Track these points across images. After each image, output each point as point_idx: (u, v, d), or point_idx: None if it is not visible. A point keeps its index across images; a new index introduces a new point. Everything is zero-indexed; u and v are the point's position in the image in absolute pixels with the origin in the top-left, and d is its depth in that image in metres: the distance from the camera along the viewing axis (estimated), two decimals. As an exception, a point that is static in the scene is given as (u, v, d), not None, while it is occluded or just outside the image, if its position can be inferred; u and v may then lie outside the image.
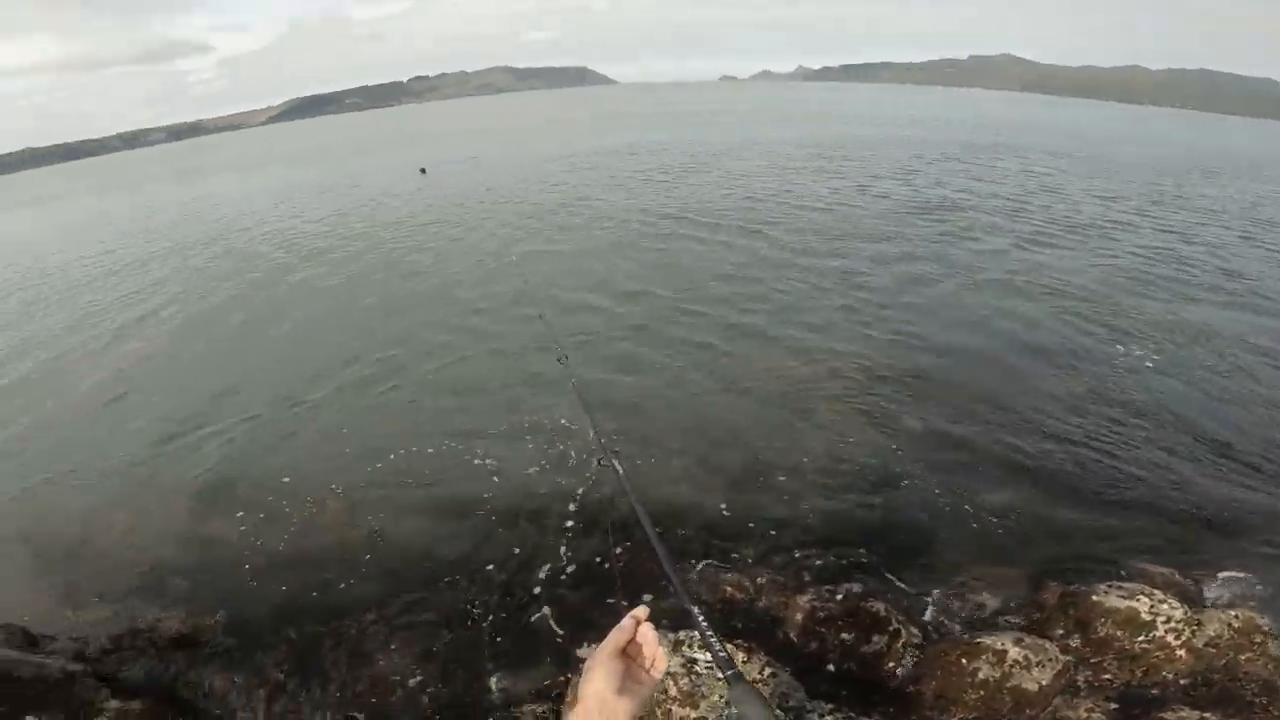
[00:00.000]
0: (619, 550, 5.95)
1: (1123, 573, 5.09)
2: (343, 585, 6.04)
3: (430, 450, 8.11)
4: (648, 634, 1.23)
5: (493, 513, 6.81)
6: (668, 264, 14.37)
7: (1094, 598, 4.31)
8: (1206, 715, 3.58)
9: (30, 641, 5.36)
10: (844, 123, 50.00)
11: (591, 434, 2.30)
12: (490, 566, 6.05)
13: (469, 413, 8.89)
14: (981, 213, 18.90)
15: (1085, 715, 3.63)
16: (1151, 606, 4.13)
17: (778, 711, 4.69)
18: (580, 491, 6.85)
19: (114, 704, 4.53)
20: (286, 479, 7.87)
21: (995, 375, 8.89)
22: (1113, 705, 3.74)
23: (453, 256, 17.01)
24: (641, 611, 1.25)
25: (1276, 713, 3.64)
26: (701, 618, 1.23)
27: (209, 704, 4.89)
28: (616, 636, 1.21)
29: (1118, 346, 9.92)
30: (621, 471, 2.05)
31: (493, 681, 4.84)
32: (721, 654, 1.14)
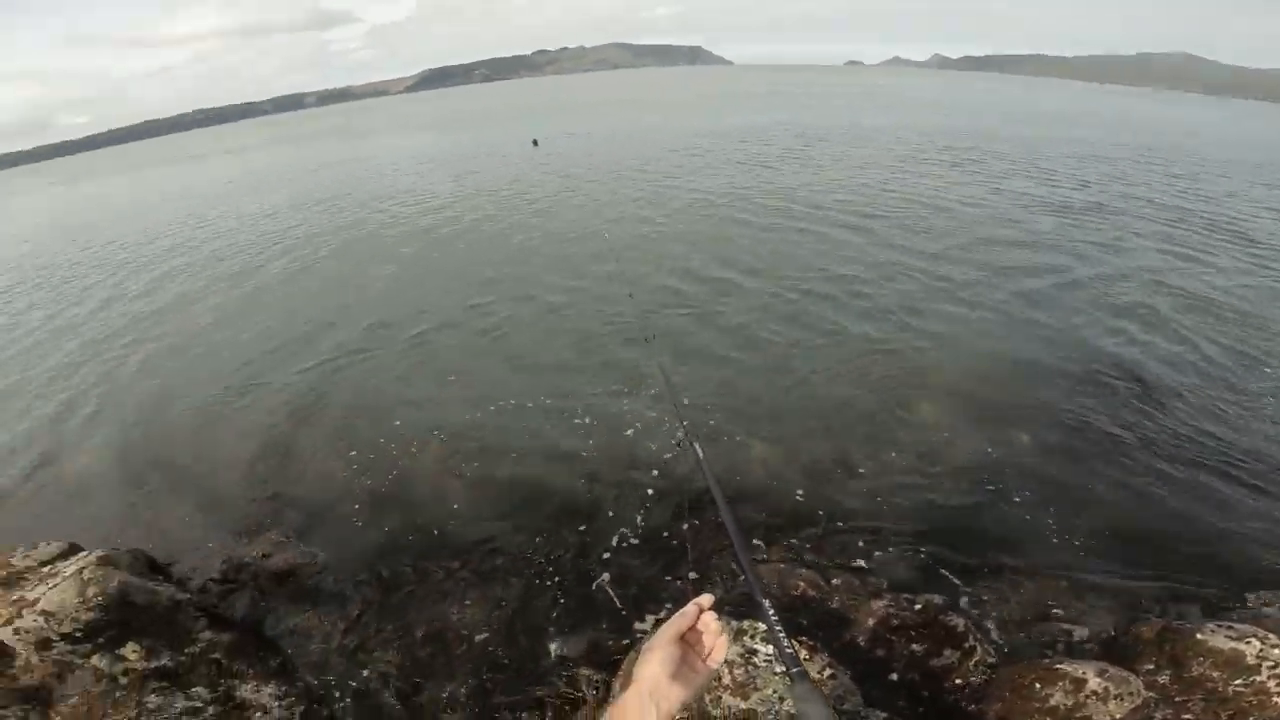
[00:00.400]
0: (688, 526, 6.02)
1: (1235, 614, 4.69)
2: (435, 531, 6.46)
3: (529, 404, 8.65)
4: (710, 623, 1.26)
5: (575, 475, 7.10)
6: (767, 251, 14.14)
7: (1198, 635, 4.06)
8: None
9: (152, 567, 5.84)
10: (978, 116, 46.74)
11: (674, 413, 2.35)
12: (566, 528, 6.30)
13: (559, 376, 9.32)
14: (1133, 218, 17.11)
15: None
16: (1261, 650, 3.84)
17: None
18: (661, 464, 6.97)
19: (207, 635, 4.89)
20: (397, 421, 8.57)
21: (1115, 393, 8.26)
22: None
23: (551, 228, 17.55)
24: (706, 599, 1.28)
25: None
26: (771, 611, 1.23)
27: (292, 641, 5.23)
28: (678, 622, 1.24)
29: (1264, 369, 9.02)
30: (702, 455, 2.07)
31: (553, 646, 4.98)
32: (788, 650, 1.16)
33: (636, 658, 1.22)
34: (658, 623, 5.13)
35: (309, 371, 10.31)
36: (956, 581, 5.32)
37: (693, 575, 5.50)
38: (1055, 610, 4.93)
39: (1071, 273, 12.55)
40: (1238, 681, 3.76)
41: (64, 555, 5.63)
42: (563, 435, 7.91)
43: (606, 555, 5.88)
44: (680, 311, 11.10)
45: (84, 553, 5.54)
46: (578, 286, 12.82)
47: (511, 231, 17.53)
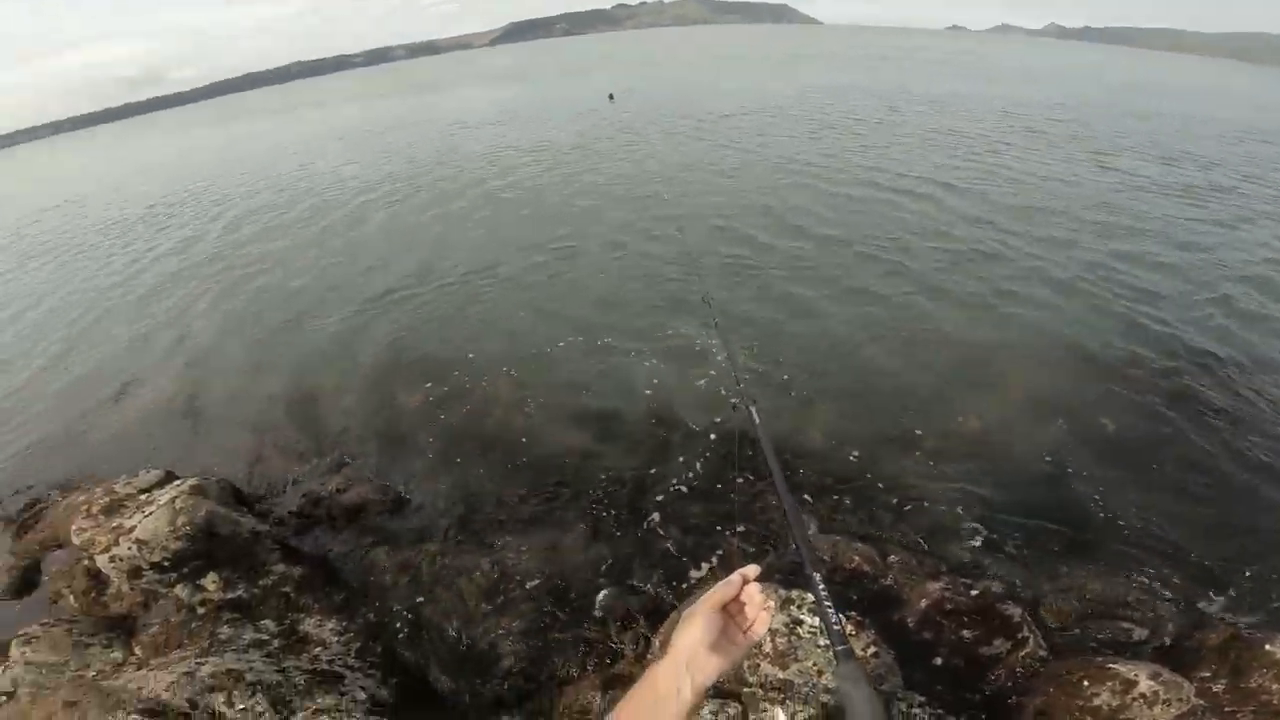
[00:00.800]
0: (741, 480, 6.05)
1: None
2: (503, 467, 6.82)
3: (592, 348, 8.94)
4: (754, 594, 1.24)
5: (635, 421, 7.31)
6: (841, 218, 13.53)
7: (1267, 647, 3.82)
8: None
9: (237, 498, 6.33)
10: (1090, 91, 40.34)
11: (731, 374, 2.32)
12: (625, 471, 6.52)
13: (620, 325, 9.51)
14: (1265, 202, 15.18)
15: None
16: None
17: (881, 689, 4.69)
18: (716, 423, 6.99)
19: (280, 568, 5.30)
20: (471, 355, 9.05)
21: (1206, 391, 7.51)
22: None
23: (617, 185, 17.50)
24: (751, 570, 1.26)
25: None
26: (822, 586, 1.22)
27: (357, 575, 5.58)
28: (721, 591, 1.22)
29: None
30: (758, 420, 2.01)
31: (601, 596, 5.14)
32: (836, 627, 1.14)
33: (678, 619, 1.24)
34: (696, 587, 5.28)
35: (391, 308, 10.95)
36: (1018, 569, 5.14)
37: (740, 529, 5.57)
38: (1118, 608, 4.68)
39: (1177, 260, 11.28)
40: None
41: (161, 483, 6.16)
42: (623, 381, 8.09)
43: (657, 515, 5.97)
44: (744, 274, 10.91)
45: (178, 481, 6.04)
46: (641, 242, 12.84)
47: (577, 187, 17.70)
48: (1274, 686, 3.59)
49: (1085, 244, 11.92)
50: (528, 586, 5.25)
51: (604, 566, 5.44)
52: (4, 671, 3.91)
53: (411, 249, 13.90)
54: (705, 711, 3.68)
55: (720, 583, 1.24)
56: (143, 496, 5.77)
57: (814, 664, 3.95)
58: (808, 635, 4.06)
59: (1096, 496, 5.90)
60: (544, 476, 6.57)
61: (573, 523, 5.94)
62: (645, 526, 5.84)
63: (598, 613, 5.02)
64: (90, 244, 19.89)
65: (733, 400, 2.26)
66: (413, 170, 22.73)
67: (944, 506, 5.83)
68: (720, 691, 4.02)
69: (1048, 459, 6.39)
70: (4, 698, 3.74)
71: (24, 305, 14.67)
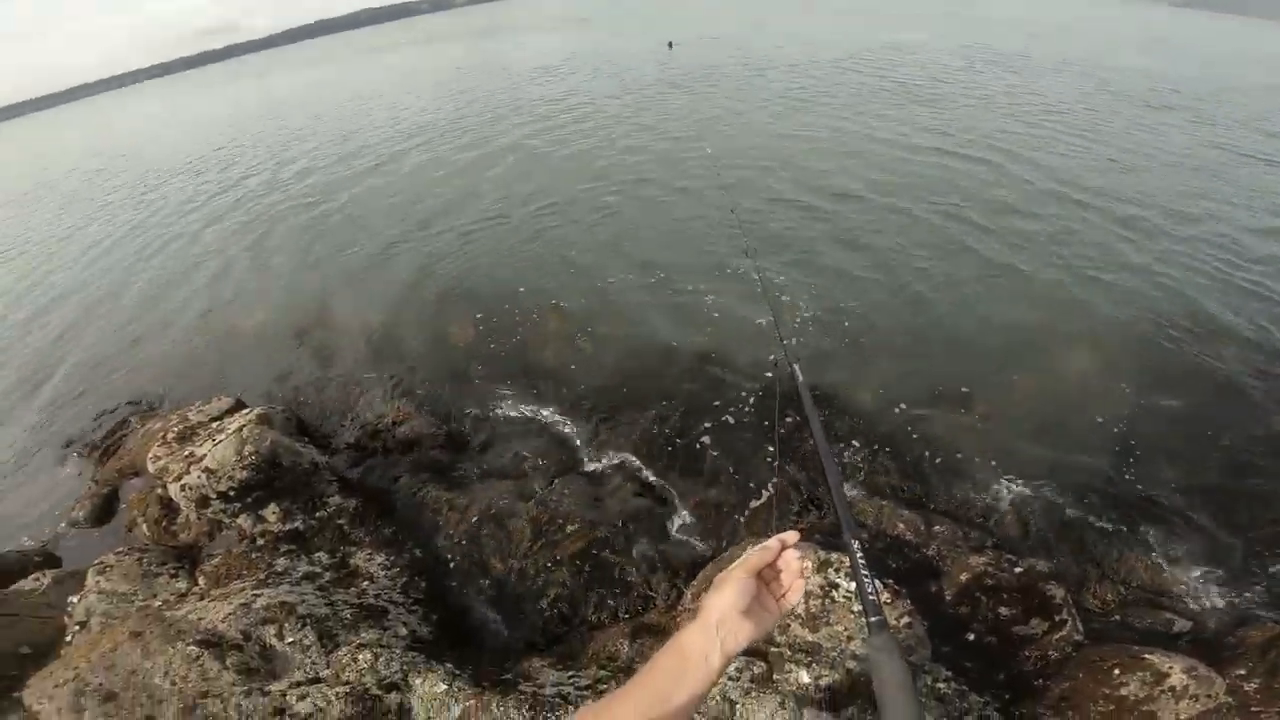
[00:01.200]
0: (783, 433, 6.05)
1: None
2: (555, 402, 7.03)
3: (639, 288, 9.04)
4: (791, 561, 1.23)
5: (682, 369, 7.34)
6: (911, 174, 12.74)
7: None
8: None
9: (299, 427, 6.71)
10: (1206, 61, 33.38)
11: (776, 333, 2.26)
12: (668, 423, 6.58)
13: (666, 270, 9.45)
14: None
15: None
16: None
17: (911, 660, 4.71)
18: (767, 377, 6.90)
19: (336, 499, 5.62)
20: (521, 288, 9.29)
21: None
22: None
23: (664, 137, 17.04)
24: (790, 536, 1.24)
25: None
26: (860, 555, 1.20)
27: (407, 510, 5.88)
28: (758, 555, 1.22)
29: None
30: (800, 379, 1.99)
31: (637, 545, 5.29)
32: (871, 598, 1.13)
33: (712, 574, 1.33)
34: (732, 543, 5.36)
35: (443, 244, 11.40)
36: (1066, 549, 5.01)
37: (781, 495, 5.59)
38: (1163, 597, 4.55)
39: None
40: None
41: (230, 411, 6.57)
42: (668, 324, 8.16)
43: (702, 447, 6.13)
44: (799, 228, 10.52)
45: (245, 410, 6.43)
46: (689, 192, 12.58)
47: (625, 138, 17.39)
48: None
49: (1180, 212, 10.86)
50: (569, 530, 5.45)
51: (645, 512, 5.58)
52: (80, 600, 4.37)
53: (463, 191, 14.29)
54: (731, 667, 3.79)
55: (757, 547, 1.24)
56: (214, 424, 6.18)
57: (844, 629, 4.00)
58: (842, 600, 4.11)
59: (1155, 481, 5.65)
60: (592, 413, 6.75)
61: (616, 466, 6.09)
62: (687, 474, 5.95)
63: (635, 559, 5.18)
64: (169, 185, 21.37)
65: (773, 358, 2.21)
66: (470, 116, 23.29)
67: (995, 479, 5.69)
68: (747, 649, 4.12)
69: (1107, 438, 6.11)
70: (78, 626, 4.19)
71: (110, 241, 16.04)
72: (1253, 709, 3.44)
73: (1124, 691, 3.63)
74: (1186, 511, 5.32)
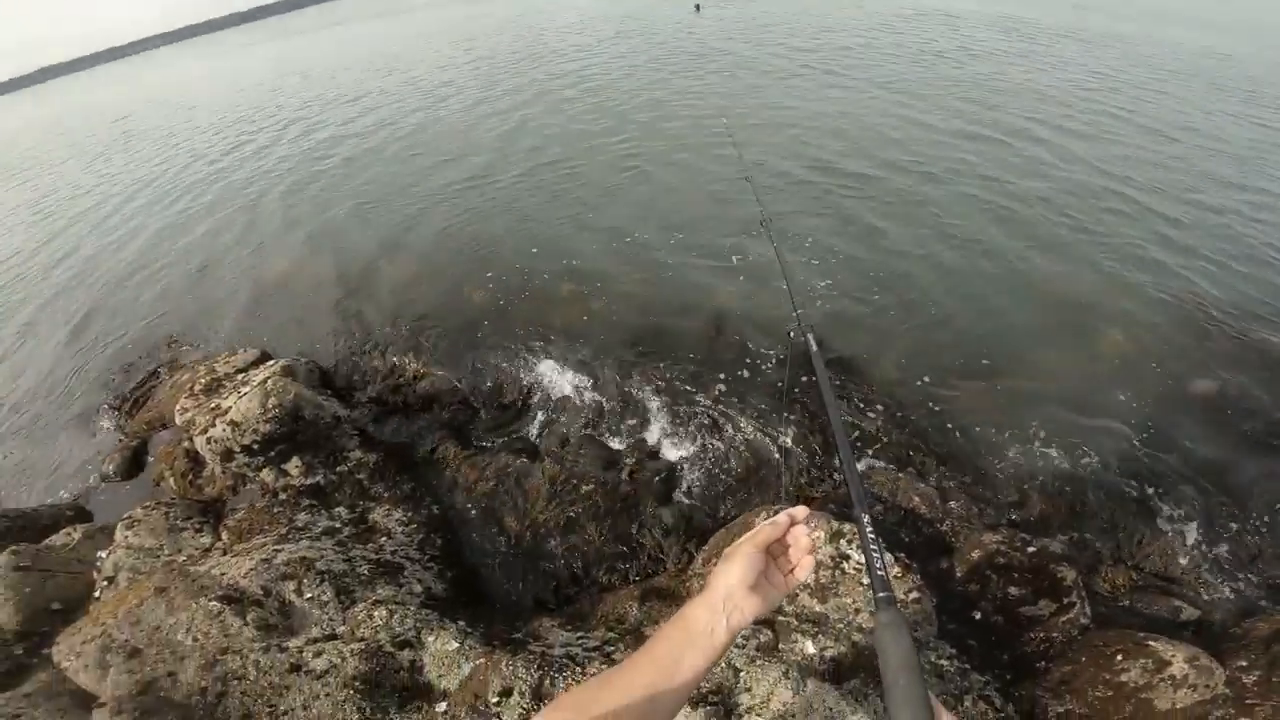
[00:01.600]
0: (800, 406, 6.07)
1: None
2: (568, 361, 7.07)
3: (653, 248, 9.10)
4: (800, 537, 1.25)
5: (692, 334, 7.33)
6: (936, 154, 11.95)
7: None
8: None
9: (324, 380, 6.89)
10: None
11: (788, 296, 2.27)
12: (679, 384, 6.63)
13: (686, 234, 9.43)
14: None
15: None
16: None
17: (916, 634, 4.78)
18: (778, 347, 6.92)
19: (357, 454, 5.79)
20: (534, 249, 9.36)
21: None
22: None
23: (678, 107, 16.58)
24: (800, 511, 1.26)
25: None
26: (870, 528, 1.23)
27: (427, 467, 6.04)
28: (767, 530, 1.23)
29: None
30: (815, 349, 2.03)
31: (649, 507, 5.39)
32: (880, 572, 1.16)
33: (722, 541, 1.40)
34: (744, 508, 5.43)
35: (466, 201, 11.54)
36: (1081, 530, 5.00)
37: (789, 462, 5.65)
38: (1175, 584, 4.55)
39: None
40: None
41: (256, 363, 6.77)
42: (682, 288, 8.16)
43: (715, 410, 6.18)
44: (824, 198, 10.30)
45: (270, 362, 6.62)
46: (706, 161, 12.30)
47: (641, 102, 17.16)
48: None
49: (1213, 204, 10.00)
50: (583, 490, 5.58)
51: (658, 475, 5.67)
52: (108, 556, 4.62)
53: (483, 151, 14.32)
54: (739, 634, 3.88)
55: (766, 521, 1.25)
56: (239, 376, 6.39)
57: (852, 602, 4.08)
58: (852, 572, 4.17)
59: (1177, 466, 5.54)
60: (606, 374, 6.82)
61: (630, 428, 6.20)
62: (700, 438, 6.01)
63: (647, 522, 5.30)
64: (191, 140, 22.02)
65: (789, 330, 2.24)
66: (488, 80, 23.11)
67: (1015, 456, 5.65)
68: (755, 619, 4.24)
69: (1133, 421, 5.98)
70: (106, 582, 4.44)
71: (135, 195, 16.52)
72: (1248, 701, 3.47)
73: (1124, 678, 3.68)
74: (1206, 499, 5.24)
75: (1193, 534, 4.98)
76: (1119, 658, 3.79)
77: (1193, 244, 8.66)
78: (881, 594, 1.11)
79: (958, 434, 5.88)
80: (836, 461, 5.47)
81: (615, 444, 6.11)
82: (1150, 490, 5.32)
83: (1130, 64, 19.78)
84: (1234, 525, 5.06)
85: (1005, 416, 6.02)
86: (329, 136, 18.20)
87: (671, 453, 5.99)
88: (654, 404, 6.44)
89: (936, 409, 6.10)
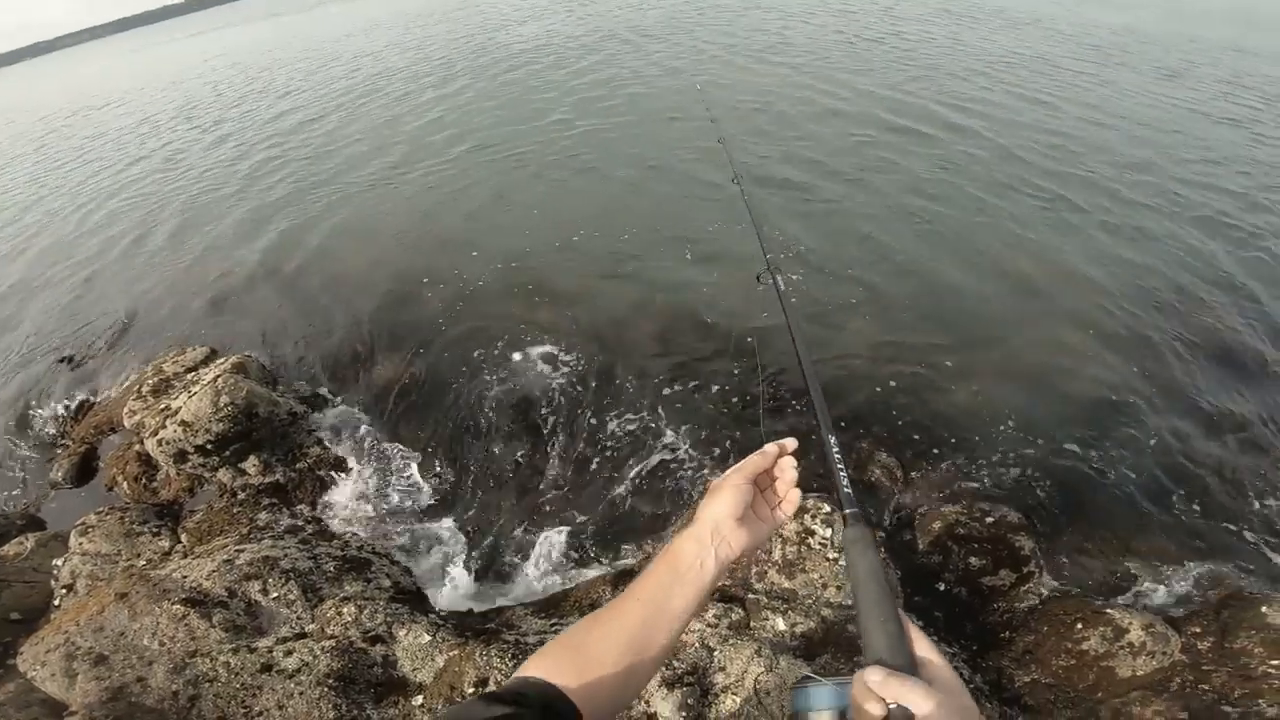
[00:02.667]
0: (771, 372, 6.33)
1: None
2: (529, 343, 7.16)
3: (619, 211, 9.54)
4: (788, 468, 1.23)
5: (656, 312, 7.50)
6: (907, 126, 12.13)
7: (1262, 608, 3.90)
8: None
9: (276, 377, 6.91)
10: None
11: (760, 246, 2.22)
12: (648, 357, 6.87)
13: (650, 201, 9.71)
14: None
15: (1150, 717, 3.60)
16: None
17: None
18: (748, 304, 7.12)
19: (316, 449, 5.88)
20: (492, 232, 9.56)
21: None
22: (1181, 715, 3.64)
23: (647, 72, 16.91)
24: (790, 442, 1.25)
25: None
26: (836, 450, 1.19)
27: (389, 460, 6.11)
28: (756, 461, 1.22)
29: None
30: (783, 289, 1.98)
31: (617, 493, 5.58)
32: (847, 491, 1.13)
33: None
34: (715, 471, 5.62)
35: (414, 187, 11.57)
36: (1040, 502, 5.23)
37: (760, 392, 5.94)
38: (1132, 555, 4.83)
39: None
40: (1274, 662, 3.70)
41: (205, 361, 6.78)
42: (637, 268, 8.35)
43: (679, 380, 6.44)
44: (799, 165, 10.57)
45: (221, 359, 6.64)
46: (674, 124, 12.60)
47: (611, 67, 17.63)
48: (1257, 650, 3.74)
49: (1180, 191, 10.11)
50: (550, 475, 5.75)
51: (629, 453, 5.87)
52: (65, 563, 4.66)
53: (432, 135, 14.31)
54: (710, 614, 4.07)
55: (755, 453, 1.24)
56: (189, 375, 6.41)
57: (820, 577, 4.29)
58: (818, 546, 4.38)
59: (1142, 438, 5.80)
60: (569, 353, 6.96)
61: (599, 408, 6.33)
62: (674, 413, 6.17)
63: (617, 505, 5.48)
64: (124, 137, 21.55)
65: (758, 273, 2.22)
66: (435, 59, 23.63)
67: (977, 429, 5.87)
68: (725, 596, 4.43)
69: (1101, 396, 6.24)
70: (65, 590, 4.50)
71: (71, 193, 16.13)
72: (1204, 668, 3.74)
73: (1085, 646, 3.94)
74: (1167, 469, 5.53)
75: (1145, 503, 5.25)
76: (1079, 626, 4.04)
77: (1167, 231, 8.93)
78: (849, 510, 1.10)
79: (920, 405, 6.10)
80: (809, 426, 5.65)
81: (581, 423, 6.22)
82: (1107, 464, 5.57)
83: (1094, 45, 19.81)
84: (1184, 494, 5.34)
85: (968, 392, 6.25)
86: (263, 128, 18.00)
87: (642, 430, 6.12)
88: (624, 380, 6.60)
89: (896, 386, 6.30)
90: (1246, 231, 8.85)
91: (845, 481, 1.14)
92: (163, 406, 5.76)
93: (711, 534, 1.15)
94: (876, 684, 0.89)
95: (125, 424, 5.88)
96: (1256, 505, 5.30)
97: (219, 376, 5.91)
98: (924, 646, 0.97)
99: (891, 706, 0.88)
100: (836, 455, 1.18)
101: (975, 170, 10.28)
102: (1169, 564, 4.80)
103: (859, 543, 1.05)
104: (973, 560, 4.65)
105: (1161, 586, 4.65)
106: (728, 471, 1.21)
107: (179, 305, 9.05)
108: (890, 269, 8.01)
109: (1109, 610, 4.07)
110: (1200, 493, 5.38)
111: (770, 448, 1.23)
